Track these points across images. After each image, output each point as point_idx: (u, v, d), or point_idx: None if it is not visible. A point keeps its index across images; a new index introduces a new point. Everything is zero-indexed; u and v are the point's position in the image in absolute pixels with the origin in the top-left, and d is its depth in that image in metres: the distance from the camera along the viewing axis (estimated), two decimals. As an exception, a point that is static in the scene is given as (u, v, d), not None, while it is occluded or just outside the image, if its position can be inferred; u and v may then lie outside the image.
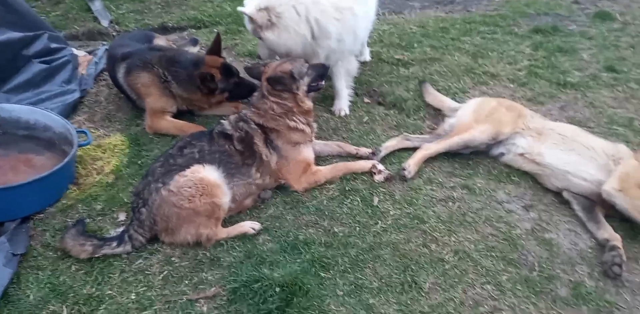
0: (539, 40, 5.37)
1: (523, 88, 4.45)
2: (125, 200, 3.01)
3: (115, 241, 2.62)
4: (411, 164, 3.29)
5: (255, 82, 3.52)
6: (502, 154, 3.47)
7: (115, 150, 3.49)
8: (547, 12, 6.27)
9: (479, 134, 3.39)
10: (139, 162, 3.36)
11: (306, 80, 3.10)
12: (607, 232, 2.85)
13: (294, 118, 3.05)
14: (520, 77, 4.59)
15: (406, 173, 3.24)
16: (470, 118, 3.52)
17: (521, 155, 3.37)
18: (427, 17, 6.08)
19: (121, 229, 2.77)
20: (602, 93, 4.39)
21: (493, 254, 2.74)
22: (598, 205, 3.04)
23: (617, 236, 2.81)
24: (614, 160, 3.10)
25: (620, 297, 2.52)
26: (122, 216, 2.93)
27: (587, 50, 5.23)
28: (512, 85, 4.49)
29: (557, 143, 3.29)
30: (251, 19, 3.27)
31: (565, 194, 3.18)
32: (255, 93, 3.13)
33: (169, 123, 3.67)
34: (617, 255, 2.65)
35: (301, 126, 3.06)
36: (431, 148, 3.41)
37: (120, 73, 3.72)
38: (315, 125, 3.27)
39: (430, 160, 3.46)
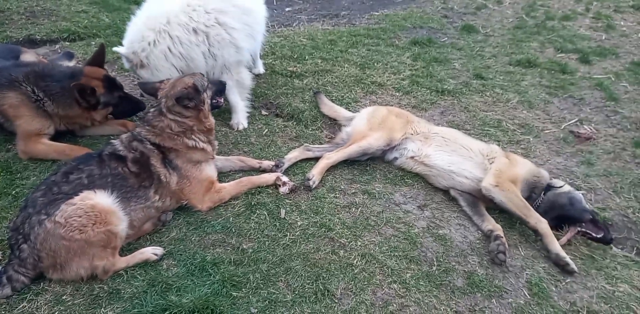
0: (417, 51, 5.85)
1: (407, 96, 4.80)
2: (0, 236, 2.64)
3: (-9, 285, 2.29)
4: (315, 174, 3.36)
5: (145, 98, 3.44)
6: (396, 158, 3.70)
7: (-18, 181, 3.05)
8: (422, 26, 6.86)
9: (374, 141, 3.58)
10: (13, 193, 2.99)
11: (209, 93, 3.01)
12: (490, 224, 3.18)
13: (193, 137, 2.92)
14: (404, 86, 4.95)
15: (311, 183, 3.30)
16: (365, 127, 3.71)
17: (412, 158, 3.63)
18: (316, 30, 6.29)
19: (-3, 271, 2.42)
20: (474, 99, 4.91)
21: (396, 254, 2.90)
22: (480, 200, 3.38)
23: (499, 226, 3.15)
24: (489, 159, 3.48)
25: (507, 281, 2.82)
26: (-4, 256, 2.57)
27: (458, 60, 5.81)
28: (398, 94, 4.83)
29: (441, 145, 3.60)
30: (128, 59, 3.42)
31: (452, 192, 3.49)
32: (151, 110, 2.92)
33: (46, 146, 3.29)
34: (500, 243, 2.97)
35: (201, 145, 2.95)
36: (332, 157, 3.52)
37: None
38: (216, 142, 3.18)
39: (331, 168, 3.56)
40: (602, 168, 3.96)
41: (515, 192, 3.23)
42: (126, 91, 3.57)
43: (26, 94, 3.22)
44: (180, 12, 3.39)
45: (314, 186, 3.32)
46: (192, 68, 3.52)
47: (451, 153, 3.55)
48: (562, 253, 2.97)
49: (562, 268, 2.94)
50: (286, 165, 3.49)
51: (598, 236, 3.11)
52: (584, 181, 3.79)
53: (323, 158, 3.51)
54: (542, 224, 3.09)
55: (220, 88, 3.21)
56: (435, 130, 3.77)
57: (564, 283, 2.87)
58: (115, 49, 3.45)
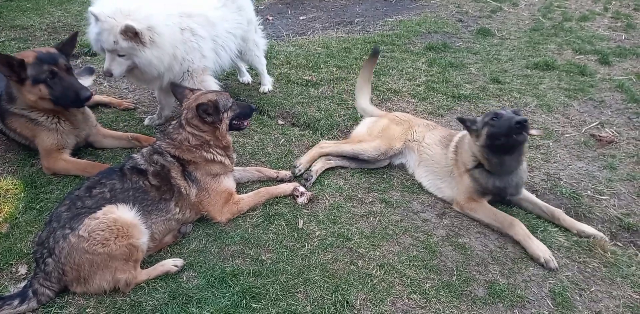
0: (432, 56, 5.82)
1: (424, 102, 4.78)
2: (25, 250, 2.73)
3: (17, 298, 2.36)
4: (302, 162, 3.57)
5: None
6: (403, 163, 3.77)
7: (8, 196, 3.16)
8: (437, 31, 6.82)
9: (369, 148, 3.62)
10: (38, 207, 3.07)
11: (230, 114, 3.04)
12: None
13: (211, 150, 2.97)
14: (420, 92, 4.93)
15: (296, 170, 3.52)
16: (364, 132, 3.80)
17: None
18: (330, 38, 6.32)
19: (23, 284, 2.49)
20: (491, 103, 4.85)
21: (415, 263, 2.88)
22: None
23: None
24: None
25: (529, 290, 2.76)
26: (23, 270, 2.64)
27: (474, 64, 5.76)
28: (413, 100, 4.81)
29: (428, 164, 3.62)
30: (135, 35, 3.12)
31: None
32: (172, 123, 2.98)
33: (68, 163, 3.38)
34: None
35: (219, 158, 2.99)
36: (326, 147, 3.68)
37: (0, 122, 3.41)
38: (234, 155, 3.23)
39: (348, 177, 3.58)
40: (625, 172, 3.86)
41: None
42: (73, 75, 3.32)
43: (17, 114, 3.31)
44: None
45: (299, 173, 3.51)
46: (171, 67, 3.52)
47: (430, 172, 3.58)
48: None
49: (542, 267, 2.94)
50: (314, 178, 3.51)
51: None
52: (607, 186, 3.69)
53: (316, 146, 3.71)
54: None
55: (247, 112, 3.18)
56: (427, 139, 3.70)
57: (588, 292, 2.80)
58: (129, 22, 3.04)
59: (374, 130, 3.76)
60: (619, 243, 3.21)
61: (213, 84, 3.84)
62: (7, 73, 3.07)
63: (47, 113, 3.33)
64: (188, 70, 3.65)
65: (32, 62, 3.08)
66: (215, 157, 2.96)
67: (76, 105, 3.34)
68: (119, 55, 3.27)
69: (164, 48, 3.29)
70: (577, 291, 2.79)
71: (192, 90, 3.06)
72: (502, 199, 3.33)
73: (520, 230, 3.07)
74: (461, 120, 3.28)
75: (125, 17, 3.09)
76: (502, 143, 3.03)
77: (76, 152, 3.54)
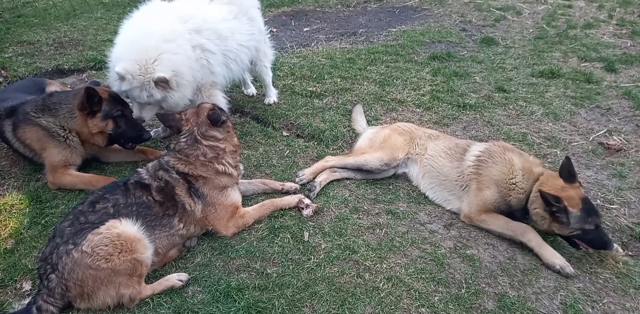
0: (436, 66, 5.81)
1: (429, 112, 4.75)
2: (30, 266, 2.72)
3: (22, 315, 2.34)
4: (306, 173, 3.59)
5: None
6: (405, 173, 3.74)
7: (13, 211, 3.16)
8: (440, 40, 6.82)
9: (372, 159, 3.61)
10: (43, 222, 3.07)
11: None
12: None
13: (224, 161, 2.98)
14: (424, 102, 4.91)
15: (297, 179, 3.57)
16: (366, 144, 3.81)
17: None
18: (334, 49, 6.34)
19: (27, 300, 2.46)
20: (497, 112, 4.82)
21: (423, 276, 2.83)
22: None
23: None
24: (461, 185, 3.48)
25: (540, 303, 2.71)
26: (27, 286, 2.63)
27: (479, 73, 5.74)
28: (418, 110, 4.79)
29: (431, 175, 3.59)
30: (166, 83, 3.22)
31: None
32: (182, 140, 2.95)
33: (74, 177, 3.38)
34: None
35: (230, 170, 3.00)
36: (330, 161, 3.70)
37: (8, 132, 3.41)
38: (242, 166, 3.24)
39: (353, 188, 3.55)
40: (635, 181, 3.80)
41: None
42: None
43: (41, 125, 3.32)
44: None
45: (301, 182, 3.53)
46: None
47: (437, 184, 3.54)
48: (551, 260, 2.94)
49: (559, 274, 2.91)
50: (318, 189, 3.48)
51: None
52: (616, 195, 3.64)
53: (321, 160, 3.74)
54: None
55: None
56: (429, 150, 3.66)
57: (600, 304, 2.73)
58: (160, 74, 3.16)
59: (376, 141, 3.77)
60: (630, 253, 3.15)
61: (221, 98, 3.84)
62: (85, 104, 3.25)
63: (70, 133, 3.39)
64: (196, 86, 3.66)
65: (107, 98, 3.32)
66: (226, 169, 2.97)
67: (135, 142, 3.57)
68: (148, 103, 3.39)
69: (188, 84, 3.41)
70: (589, 303, 2.73)
71: (180, 113, 3.06)
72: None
73: (534, 237, 3.04)
74: (548, 199, 2.92)
75: (152, 71, 3.17)
76: (570, 237, 3.02)
77: (82, 166, 3.54)
